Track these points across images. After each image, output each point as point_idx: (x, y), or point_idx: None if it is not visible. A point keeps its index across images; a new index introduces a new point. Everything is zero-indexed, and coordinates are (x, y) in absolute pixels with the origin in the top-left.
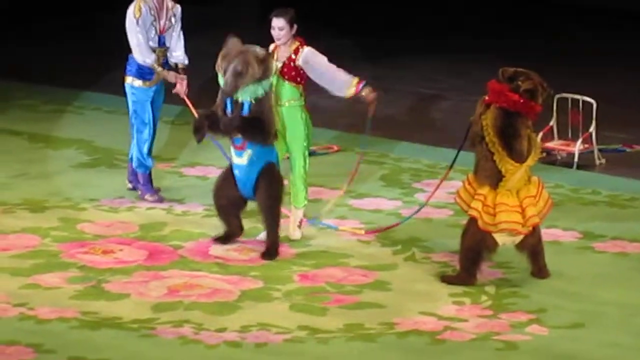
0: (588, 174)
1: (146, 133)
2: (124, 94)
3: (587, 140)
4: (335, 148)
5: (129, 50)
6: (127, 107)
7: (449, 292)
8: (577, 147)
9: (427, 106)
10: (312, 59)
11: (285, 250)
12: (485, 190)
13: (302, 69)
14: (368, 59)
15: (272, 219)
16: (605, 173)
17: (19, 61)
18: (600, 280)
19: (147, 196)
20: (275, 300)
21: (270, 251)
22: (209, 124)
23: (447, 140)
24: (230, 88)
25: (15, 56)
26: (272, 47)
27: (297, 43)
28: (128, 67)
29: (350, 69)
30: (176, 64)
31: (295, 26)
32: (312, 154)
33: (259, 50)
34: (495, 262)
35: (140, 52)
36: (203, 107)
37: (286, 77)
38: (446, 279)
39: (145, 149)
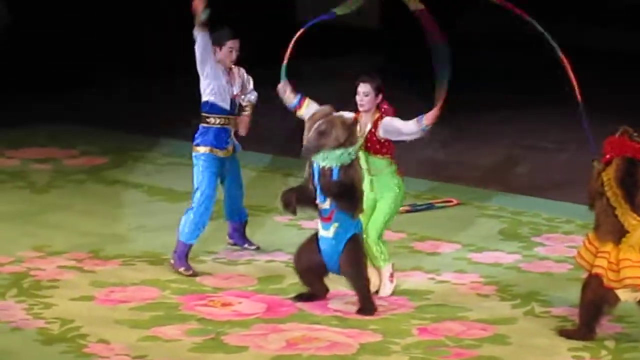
0: None
1: (208, 203)
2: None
3: None
4: (454, 202)
5: (199, 119)
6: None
7: (569, 347)
8: None
9: (544, 159)
10: (388, 124)
11: (404, 303)
12: (608, 247)
13: (385, 140)
14: (482, 113)
15: (360, 283)
16: None
17: (138, 113)
18: None
19: (182, 269)
20: (394, 353)
21: (365, 306)
22: (298, 197)
23: (565, 194)
24: (312, 145)
25: (133, 109)
26: (352, 115)
27: (378, 114)
28: (201, 138)
29: (464, 121)
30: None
31: (380, 96)
32: (430, 207)
33: (345, 115)
34: (614, 316)
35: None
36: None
37: (372, 151)
38: (565, 333)
39: (203, 220)
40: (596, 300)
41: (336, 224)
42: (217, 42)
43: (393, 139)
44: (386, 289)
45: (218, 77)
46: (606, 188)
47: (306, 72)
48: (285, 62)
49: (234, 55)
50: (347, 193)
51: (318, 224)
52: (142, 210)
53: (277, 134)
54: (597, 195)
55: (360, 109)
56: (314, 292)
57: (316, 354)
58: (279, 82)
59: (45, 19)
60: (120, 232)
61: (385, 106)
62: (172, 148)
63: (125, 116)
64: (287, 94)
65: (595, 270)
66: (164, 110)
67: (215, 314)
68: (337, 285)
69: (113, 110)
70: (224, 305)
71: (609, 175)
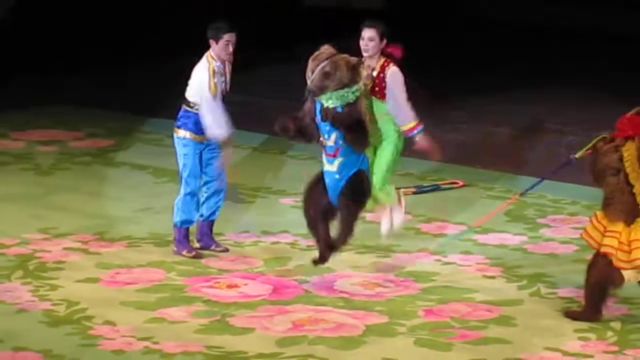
0: None
1: (194, 186)
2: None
3: None
4: (460, 183)
5: (180, 101)
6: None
7: (575, 328)
8: None
9: (552, 140)
10: (393, 83)
11: (410, 285)
12: (619, 227)
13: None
14: (495, 94)
15: (347, 223)
16: None
17: (145, 96)
18: None
19: (184, 252)
20: (400, 335)
21: (334, 246)
22: (296, 127)
23: (571, 175)
24: (316, 87)
25: (141, 91)
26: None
27: (384, 59)
28: (183, 121)
29: (473, 103)
30: None
31: (384, 41)
32: (436, 188)
33: (350, 56)
34: (620, 298)
35: (219, 126)
36: None
37: (378, 95)
38: (571, 315)
39: (192, 203)
40: (602, 281)
41: (341, 158)
42: (214, 36)
43: (388, 93)
44: (398, 215)
45: (214, 95)
46: (626, 164)
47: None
48: None
49: (230, 49)
50: (354, 125)
51: (322, 158)
52: (148, 192)
53: (273, 113)
54: (612, 170)
55: (365, 54)
56: (318, 235)
57: (322, 336)
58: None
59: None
60: (126, 214)
61: (390, 49)
62: None
63: (131, 98)
64: None
65: (603, 250)
66: (170, 91)
67: (221, 295)
68: (343, 266)
69: (118, 92)
70: (229, 287)
71: (631, 153)
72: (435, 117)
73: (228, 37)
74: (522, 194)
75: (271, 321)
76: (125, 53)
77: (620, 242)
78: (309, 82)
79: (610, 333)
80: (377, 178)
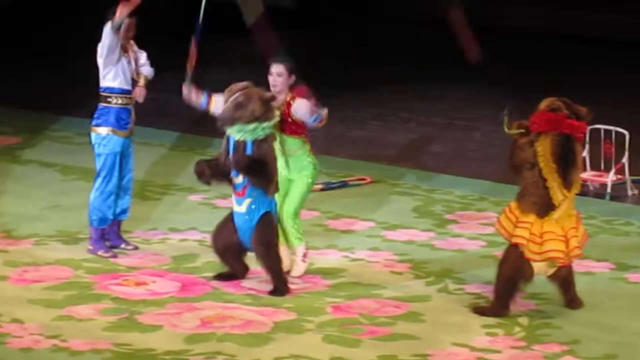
0: (621, 205)
1: (113, 185)
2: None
3: (620, 171)
4: (368, 179)
5: (97, 99)
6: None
7: (482, 324)
8: (610, 178)
9: (458, 136)
10: (299, 109)
11: (318, 281)
12: (531, 218)
13: (298, 120)
14: (396, 91)
15: (272, 262)
16: (638, 204)
17: (51, 94)
18: (633, 311)
19: (100, 252)
20: (308, 331)
21: (278, 288)
22: (212, 168)
23: (479, 171)
24: (227, 116)
25: (48, 87)
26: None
27: (291, 94)
28: (102, 118)
29: (381, 101)
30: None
31: (293, 76)
32: (344, 185)
33: (263, 91)
34: (528, 293)
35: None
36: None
37: (287, 132)
38: (479, 310)
39: (109, 202)
40: (514, 275)
41: (249, 199)
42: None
43: (303, 120)
44: (299, 269)
45: (120, 62)
46: (540, 159)
47: (216, 54)
48: (189, 67)
49: (131, 34)
50: (258, 168)
51: (232, 199)
52: (56, 190)
53: (184, 111)
54: (528, 165)
55: (273, 89)
56: (234, 272)
57: (230, 333)
58: (184, 82)
59: None
60: (34, 211)
61: (298, 87)
62: (86, 126)
63: (37, 96)
64: (193, 96)
65: (514, 240)
66: (76, 88)
67: (129, 293)
68: (252, 264)
69: (24, 90)
70: (138, 284)
71: (545, 148)
72: (341, 113)
73: (129, 22)
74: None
75: (179, 318)
76: (30, 51)
77: (531, 234)
78: (221, 112)
79: (517, 328)
80: (289, 208)
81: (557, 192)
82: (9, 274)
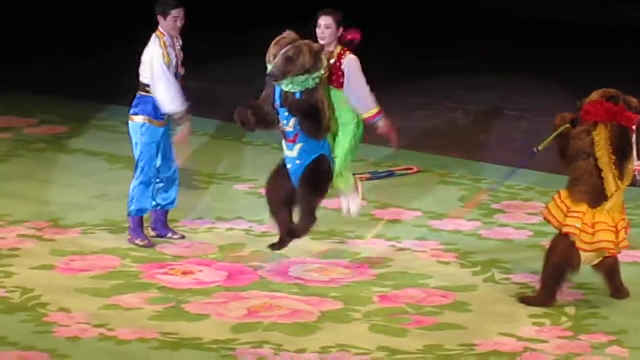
0: None
1: (152, 174)
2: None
3: None
4: (415, 169)
5: (134, 89)
6: (134, 148)
7: (529, 313)
8: None
9: (506, 126)
10: (351, 71)
11: (365, 271)
12: (583, 208)
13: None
14: (443, 81)
15: (309, 203)
16: None
17: (98, 83)
18: None
19: (137, 241)
20: (355, 321)
21: (299, 229)
22: (256, 117)
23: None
24: (278, 71)
25: (94, 78)
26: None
27: (340, 47)
28: (140, 107)
29: (427, 90)
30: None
31: (341, 29)
32: (391, 175)
33: (313, 43)
34: (575, 283)
35: (173, 100)
36: None
37: (335, 84)
38: (526, 300)
39: (148, 192)
40: (562, 264)
41: (301, 144)
42: (162, 12)
43: (346, 88)
44: (354, 204)
45: (167, 65)
46: (597, 149)
47: (220, 45)
48: None
49: (179, 24)
50: (311, 113)
51: (283, 145)
52: (103, 179)
53: (228, 100)
54: (584, 155)
55: (322, 41)
56: (279, 221)
57: (277, 322)
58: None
59: None
60: (81, 201)
61: (349, 34)
62: None
63: (84, 85)
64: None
65: (566, 230)
66: (124, 79)
67: (176, 282)
68: (298, 252)
69: (72, 79)
70: (184, 273)
71: (603, 138)
72: (390, 103)
73: (176, 13)
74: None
75: (226, 308)
76: (78, 40)
77: (584, 224)
78: (270, 66)
79: (564, 319)
80: (335, 165)
81: (611, 183)
82: (56, 263)
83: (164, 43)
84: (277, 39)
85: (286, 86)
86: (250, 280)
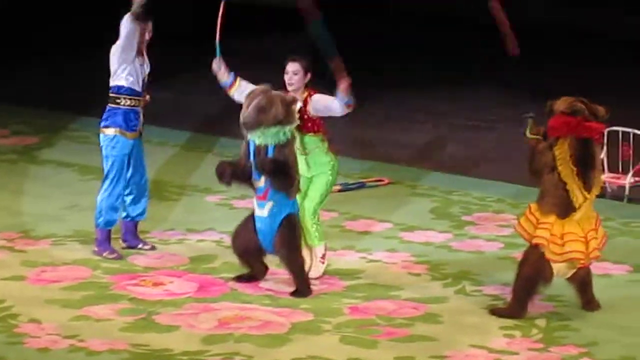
0: (639, 207)
1: (121, 187)
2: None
3: (638, 173)
4: (386, 181)
5: (106, 101)
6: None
7: (500, 325)
8: (628, 180)
9: (476, 139)
10: (318, 104)
11: (335, 282)
12: (551, 219)
13: (316, 117)
14: (413, 92)
15: (295, 265)
16: None
17: (68, 92)
18: None
19: (105, 254)
20: (326, 332)
21: (302, 290)
22: (233, 170)
23: (497, 173)
24: (250, 121)
25: (64, 87)
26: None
27: (307, 93)
28: (110, 119)
29: (398, 102)
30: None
31: (309, 74)
32: (362, 186)
33: (285, 94)
34: (546, 295)
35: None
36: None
37: (305, 130)
38: (497, 312)
39: (117, 204)
40: (533, 275)
41: (271, 203)
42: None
43: (323, 115)
44: (317, 269)
45: (134, 63)
46: (558, 163)
47: (225, 53)
48: (218, 38)
49: (147, 36)
50: (281, 171)
51: (254, 203)
52: (74, 190)
53: (198, 111)
54: (547, 169)
55: (289, 88)
56: (253, 273)
57: (248, 333)
58: (211, 59)
59: None
60: (52, 211)
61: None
62: None
63: (54, 96)
64: (221, 72)
65: (535, 240)
66: (93, 88)
67: (147, 293)
68: (270, 264)
69: (42, 90)
70: (155, 284)
71: (563, 151)
72: (359, 115)
73: (144, 26)
74: None
75: (197, 319)
76: (46, 51)
77: (552, 234)
78: (243, 116)
79: (535, 330)
80: (309, 207)
81: (577, 194)
82: (27, 274)
83: None
84: (250, 91)
85: (258, 138)
86: (220, 291)
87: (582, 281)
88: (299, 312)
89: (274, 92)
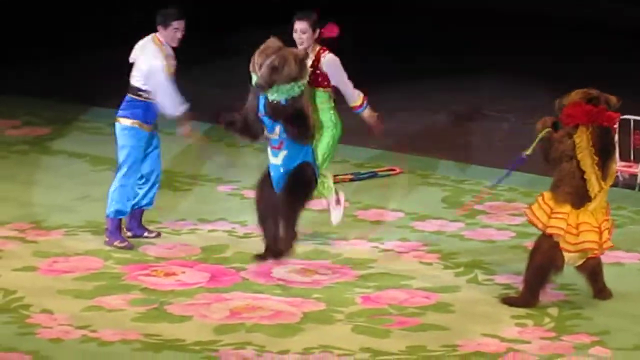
0: None
1: (135, 177)
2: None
3: None
4: (398, 170)
5: (119, 91)
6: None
7: (512, 314)
8: None
9: (488, 128)
10: (330, 69)
11: (347, 272)
12: (566, 209)
13: (327, 73)
14: (426, 82)
15: (290, 216)
16: None
17: (81, 85)
18: None
19: (116, 243)
20: (338, 322)
21: (286, 244)
22: (242, 123)
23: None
24: (265, 81)
25: (77, 80)
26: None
27: (318, 47)
28: (130, 110)
29: (410, 92)
30: None
31: (317, 31)
32: (374, 175)
33: (297, 50)
34: (557, 284)
35: (177, 104)
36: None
37: (314, 84)
38: (509, 301)
39: (129, 194)
40: (545, 264)
41: (285, 152)
42: (163, 22)
43: (331, 79)
44: (335, 214)
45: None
46: (578, 151)
47: (201, 47)
48: None
49: (179, 35)
50: (298, 118)
51: (268, 152)
52: (86, 180)
53: (209, 101)
54: (565, 157)
55: (300, 46)
56: (267, 242)
57: (259, 323)
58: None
59: None
60: (63, 202)
61: (326, 30)
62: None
63: (67, 87)
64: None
65: (550, 231)
66: (106, 79)
67: (159, 283)
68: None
69: (54, 81)
70: (167, 274)
71: (584, 140)
72: (372, 105)
73: (177, 25)
74: (491, 187)
75: (209, 309)
76: (61, 43)
77: (568, 225)
78: (254, 76)
79: (547, 319)
80: (317, 154)
81: (594, 184)
82: (39, 265)
83: (166, 55)
84: (262, 47)
85: (272, 95)
86: (232, 281)
87: (592, 270)
88: (310, 301)
89: (286, 50)
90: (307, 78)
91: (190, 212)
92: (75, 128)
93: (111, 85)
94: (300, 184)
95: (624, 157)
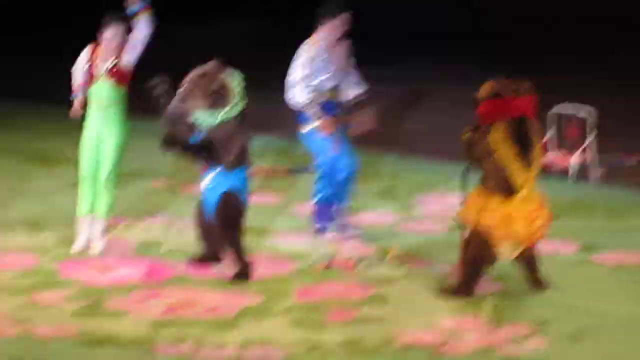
0: (585, 185)
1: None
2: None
3: (585, 152)
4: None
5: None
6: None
7: (449, 305)
8: (574, 159)
9: (425, 119)
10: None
11: (285, 265)
12: (496, 201)
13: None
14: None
15: (232, 246)
16: (603, 185)
17: (19, 79)
18: (599, 292)
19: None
20: (275, 315)
21: (241, 273)
22: (182, 145)
23: (445, 153)
24: (174, 113)
25: (15, 73)
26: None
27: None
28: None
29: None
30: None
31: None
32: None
33: (218, 78)
34: (495, 275)
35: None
36: None
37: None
38: (446, 292)
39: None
40: (478, 258)
41: (210, 175)
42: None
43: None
44: (97, 247)
45: None
46: (495, 147)
47: (186, 37)
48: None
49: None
50: (203, 149)
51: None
52: (21, 176)
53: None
54: (486, 154)
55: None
56: (208, 254)
57: (197, 318)
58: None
59: None
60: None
61: None
62: (54, 116)
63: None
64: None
65: (481, 223)
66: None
67: (95, 279)
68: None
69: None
70: (103, 270)
71: (499, 135)
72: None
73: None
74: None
75: (146, 304)
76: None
77: (497, 216)
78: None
79: (485, 309)
80: (108, 160)
81: (518, 175)
82: None
83: None
84: (199, 72)
85: (196, 120)
86: (169, 276)
87: (529, 261)
88: (248, 295)
89: (203, 77)
90: (228, 106)
91: (125, 208)
92: (10, 125)
93: (46, 77)
94: (229, 217)
95: (559, 148)
